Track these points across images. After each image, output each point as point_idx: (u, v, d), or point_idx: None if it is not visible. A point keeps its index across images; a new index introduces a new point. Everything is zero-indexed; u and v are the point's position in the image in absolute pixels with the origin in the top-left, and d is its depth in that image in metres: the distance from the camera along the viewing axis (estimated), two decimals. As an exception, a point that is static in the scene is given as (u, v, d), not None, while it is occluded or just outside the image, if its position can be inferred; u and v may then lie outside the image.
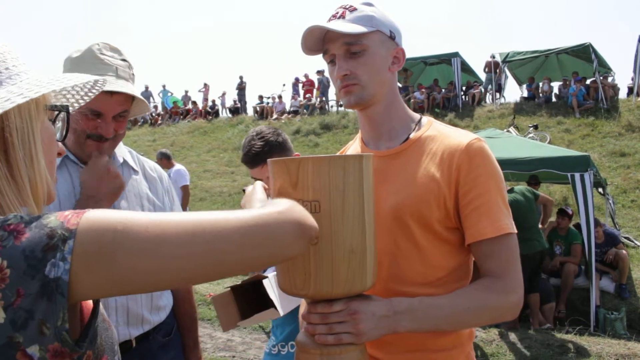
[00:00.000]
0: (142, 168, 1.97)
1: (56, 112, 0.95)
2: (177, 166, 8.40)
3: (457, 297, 1.33)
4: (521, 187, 6.46)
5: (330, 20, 1.43)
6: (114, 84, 1.65)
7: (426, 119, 1.53)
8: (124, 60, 1.75)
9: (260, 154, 2.18)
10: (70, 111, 0.99)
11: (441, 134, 1.45)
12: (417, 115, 1.55)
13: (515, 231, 1.37)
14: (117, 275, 0.73)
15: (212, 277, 0.79)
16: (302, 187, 1.14)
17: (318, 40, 1.44)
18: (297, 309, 2.04)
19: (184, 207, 8.40)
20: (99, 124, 1.69)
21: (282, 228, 0.82)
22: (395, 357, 1.43)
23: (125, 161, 1.89)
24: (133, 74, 1.78)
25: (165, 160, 8.29)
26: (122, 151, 1.92)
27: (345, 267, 1.15)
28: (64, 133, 0.99)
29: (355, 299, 1.21)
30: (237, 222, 0.79)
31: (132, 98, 1.76)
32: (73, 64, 1.69)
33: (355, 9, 1.41)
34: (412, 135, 1.48)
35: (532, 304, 6.19)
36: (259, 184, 1.35)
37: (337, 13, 1.43)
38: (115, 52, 1.74)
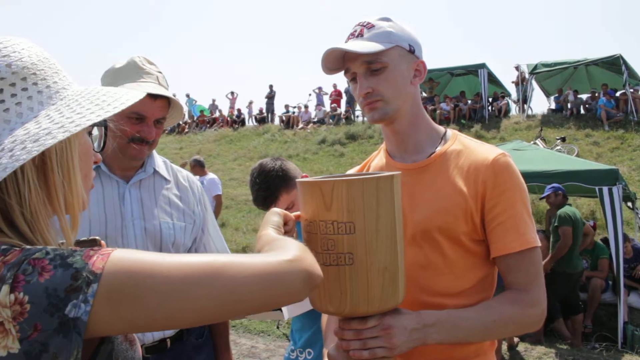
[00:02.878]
0: (175, 177, 2.04)
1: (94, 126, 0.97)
2: (210, 175, 8.40)
3: (483, 309, 1.37)
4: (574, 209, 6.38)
5: (348, 39, 1.46)
6: (157, 89, 1.78)
7: (451, 132, 1.56)
8: (159, 72, 1.88)
9: (268, 198, 2.24)
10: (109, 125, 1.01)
11: (467, 148, 1.48)
12: (441, 128, 1.57)
13: (540, 244, 1.41)
14: (137, 317, 0.76)
15: (228, 317, 0.86)
16: (336, 209, 1.16)
17: (338, 60, 1.46)
18: (314, 315, 2.08)
19: (217, 216, 8.48)
20: (142, 128, 1.80)
21: (292, 276, 0.87)
22: None
23: (156, 171, 1.96)
24: (168, 85, 1.89)
25: (198, 168, 8.31)
26: (156, 161, 2.00)
27: (380, 285, 1.18)
28: (102, 144, 1.02)
29: (388, 314, 1.24)
30: (253, 269, 0.83)
31: (167, 107, 1.87)
32: (116, 74, 1.82)
33: (372, 26, 1.43)
34: (438, 149, 1.50)
35: (575, 323, 6.13)
36: (275, 210, 1.31)
37: (355, 31, 1.44)
38: (153, 65, 1.88)
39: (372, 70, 1.41)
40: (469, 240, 1.42)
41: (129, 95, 0.97)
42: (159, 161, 2.02)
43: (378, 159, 1.67)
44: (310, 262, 0.92)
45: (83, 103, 0.89)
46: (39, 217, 0.85)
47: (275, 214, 1.24)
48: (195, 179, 2.16)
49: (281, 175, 2.23)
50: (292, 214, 1.29)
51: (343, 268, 1.17)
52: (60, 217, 0.89)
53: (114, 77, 1.82)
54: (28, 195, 0.83)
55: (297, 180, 1.28)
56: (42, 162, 0.84)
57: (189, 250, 2.05)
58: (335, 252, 1.17)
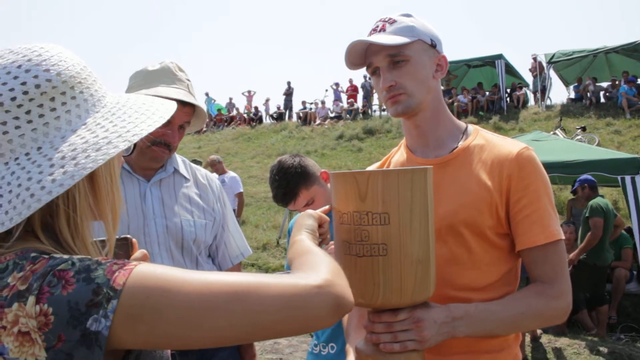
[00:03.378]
0: (194, 176, 2.08)
1: None
2: (231, 173, 8.49)
3: (509, 302, 1.38)
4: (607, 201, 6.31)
5: (370, 34, 1.47)
6: (188, 96, 1.85)
7: (472, 127, 1.57)
8: (189, 80, 1.94)
9: (288, 194, 2.27)
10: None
11: (489, 143, 1.49)
12: (462, 124, 1.58)
13: (564, 237, 1.42)
14: (155, 334, 0.77)
15: (247, 340, 0.82)
16: (371, 200, 1.17)
17: (361, 55, 1.48)
18: None
19: (239, 214, 8.55)
20: (166, 132, 1.84)
21: (320, 304, 0.81)
22: (446, 359, 1.46)
23: (176, 170, 2.01)
24: (194, 93, 1.97)
25: (219, 165, 8.43)
26: (175, 160, 2.04)
27: (413, 277, 1.19)
28: (132, 149, 1.06)
29: (418, 307, 1.26)
30: (277, 295, 0.79)
31: (192, 114, 1.94)
32: (149, 76, 1.89)
33: (394, 21, 1.45)
34: (460, 144, 1.51)
35: (600, 314, 6.07)
36: (309, 213, 1.30)
37: (377, 27, 1.46)
38: (183, 72, 1.94)
39: (394, 63, 1.43)
40: (493, 234, 1.43)
41: (167, 104, 1.00)
42: (179, 160, 2.06)
43: (399, 154, 1.67)
44: (342, 287, 0.86)
45: (129, 112, 0.93)
46: (84, 221, 0.88)
47: (309, 217, 1.24)
48: (214, 176, 2.20)
49: (300, 172, 2.26)
50: (318, 211, 1.30)
51: (377, 259, 1.18)
52: (106, 220, 0.93)
53: (147, 79, 1.87)
54: (78, 199, 0.87)
55: (330, 173, 1.29)
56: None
57: (210, 247, 2.09)
58: (369, 242, 1.18)
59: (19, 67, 0.85)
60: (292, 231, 1.20)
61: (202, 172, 2.13)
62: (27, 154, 0.83)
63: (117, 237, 1.07)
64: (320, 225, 1.25)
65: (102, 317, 0.74)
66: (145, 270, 0.79)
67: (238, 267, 2.23)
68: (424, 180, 1.20)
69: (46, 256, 0.80)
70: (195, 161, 8.82)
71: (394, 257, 1.17)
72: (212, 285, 0.78)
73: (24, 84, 0.84)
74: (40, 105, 0.84)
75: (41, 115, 0.84)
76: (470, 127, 1.57)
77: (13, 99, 0.83)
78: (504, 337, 1.47)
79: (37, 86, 0.84)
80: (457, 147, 1.51)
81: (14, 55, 0.87)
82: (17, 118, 0.83)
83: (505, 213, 1.42)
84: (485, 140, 1.50)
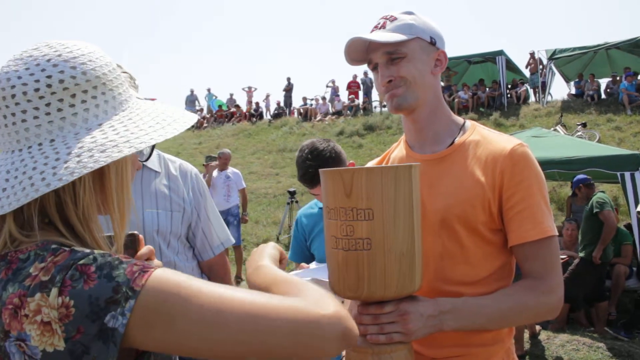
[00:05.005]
0: (166, 168, 2.11)
1: None
2: (231, 169, 8.49)
3: (500, 297, 1.40)
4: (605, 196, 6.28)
5: (372, 31, 1.50)
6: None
7: (470, 123, 1.58)
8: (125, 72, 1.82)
9: (317, 176, 2.18)
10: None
11: (485, 139, 1.50)
12: (460, 120, 1.59)
13: (557, 234, 1.42)
14: (167, 340, 0.79)
15: (253, 358, 0.82)
16: (356, 196, 1.21)
17: (361, 51, 1.50)
18: None
19: (244, 209, 8.57)
20: None
21: (329, 335, 0.82)
22: (437, 352, 1.49)
23: (144, 165, 2.02)
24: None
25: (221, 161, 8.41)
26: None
27: (397, 270, 1.22)
28: (149, 155, 1.06)
29: (405, 300, 1.28)
30: (288, 318, 0.80)
31: None
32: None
33: (395, 19, 1.47)
34: (456, 140, 1.52)
35: (600, 310, 6.07)
36: (273, 245, 1.30)
37: (379, 24, 1.49)
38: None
39: (392, 60, 1.45)
40: (486, 229, 1.44)
41: (186, 116, 1.02)
42: (153, 155, 2.07)
43: (398, 150, 1.70)
44: (350, 319, 0.86)
45: (145, 119, 0.95)
46: (89, 217, 0.91)
47: (274, 248, 1.25)
48: (190, 168, 2.19)
49: (334, 157, 2.26)
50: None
51: (361, 253, 1.21)
52: (113, 219, 0.97)
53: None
54: (82, 195, 0.89)
55: (320, 170, 1.32)
56: (100, 168, 0.89)
57: (187, 237, 2.12)
58: (354, 237, 1.21)
59: (49, 60, 0.88)
60: (253, 256, 1.20)
61: (176, 164, 2.15)
62: (39, 144, 0.86)
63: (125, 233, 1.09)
64: (280, 261, 1.24)
65: (120, 314, 0.77)
66: (164, 276, 0.81)
67: (222, 257, 2.24)
68: (409, 177, 1.23)
69: (67, 248, 0.83)
70: (210, 157, 8.81)
71: (378, 252, 1.20)
72: (227, 301, 0.80)
73: (49, 77, 0.87)
74: (61, 100, 0.87)
75: (59, 110, 0.87)
76: (468, 123, 1.58)
77: (36, 90, 0.86)
78: (496, 331, 1.48)
79: (61, 81, 0.87)
80: (453, 142, 1.52)
81: (47, 48, 0.90)
82: (37, 108, 0.86)
83: (498, 209, 1.43)
84: (481, 136, 1.51)
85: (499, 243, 1.47)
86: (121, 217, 0.98)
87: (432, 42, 1.48)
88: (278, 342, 0.80)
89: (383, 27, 1.47)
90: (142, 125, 0.93)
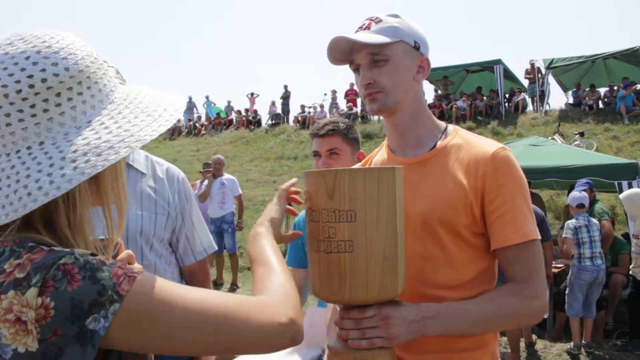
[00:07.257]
0: (153, 170, 2.09)
1: None
2: (227, 175, 8.43)
3: (483, 302, 1.38)
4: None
5: (357, 31, 1.49)
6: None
7: (452, 127, 1.57)
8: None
9: (336, 130, 2.26)
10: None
11: (467, 143, 1.49)
12: (442, 124, 1.59)
13: (540, 237, 1.41)
14: (147, 342, 0.81)
15: (220, 354, 0.90)
16: (338, 197, 1.19)
17: (344, 51, 1.49)
18: None
19: (240, 216, 8.54)
20: None
21: (282, 340, 0.91)
22: (420, 357, 1.46)
23: (130, 165, 2.01)
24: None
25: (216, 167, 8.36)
26: (132, 156, 2.05)
27: (379, 274, 1.20)
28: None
29: (387, 304, 1.26)
30: (254, 324, 0.88)
31: None
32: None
33: (380, 21, 1.46)
34: (438, 144, 1.51)
35: (597, 319, 6.03)
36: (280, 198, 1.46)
37: (364, 25, 1.48)
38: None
39: (375, 62, 1.44)
40: (469, 233, 1.43)
41: (174, 103, 0.98)
42: (138, 156, 2.07)
43: (380, 154, 1.69)
44: (300, 324, 0.95)
45: (135, 112, 0.91)
46: (83, 219, 0.88)
47: (277, 211, 1.38)
48: (177, 172, 2.19)
49: (349, 129, 2.30)
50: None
51: (343, 255, 1.19)
52: (107, 221, 0.95)
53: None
54: (79, 197, 0.86)
55: (303, 171, 1.31)
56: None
57: (170, 241, 2.11)
58: (336, 239, 1.20)
59: (27, 58, 0.83)
60: (261, 218, 1.33)
61: (163, 167, 2.14)
62: (28, 148, 0.82)
63: (103, 237, 1.07)
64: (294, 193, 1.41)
65: (102, 317, 0.76)
66: (148, 281, 0.82)
67: (203, 263, 2.24)
68: (392, 179, 1.21)
69: (45, 248, 0.80)
70: (208, 164, 8.77)
71: (360, 254, 1.19)
72: (207, 306, 0.85)
73: (30, 76, 0.82)
74: (46, 100, 0.83)
75: (45, 110, 0.83)
76: (450, 127, 1.57)
77: (19, 91, 0.81)
78: (480, 336, 1.46)
79: (44, 80, 0.83)
80: (435, 146, 1.51)
81: (23, 43, 0.85)
82: (20, 111, 0.82)
83: (480, 212, 1.42)
84: (463, 139, 1.51)
85: (481, 246, 1.45)
86: (119, 217, 0.97)
87: (416, 47, 1.47)
88: (242, 342, 0.87)
89: (368, 28, 1.46)
90: (134, 120, 0.89)
